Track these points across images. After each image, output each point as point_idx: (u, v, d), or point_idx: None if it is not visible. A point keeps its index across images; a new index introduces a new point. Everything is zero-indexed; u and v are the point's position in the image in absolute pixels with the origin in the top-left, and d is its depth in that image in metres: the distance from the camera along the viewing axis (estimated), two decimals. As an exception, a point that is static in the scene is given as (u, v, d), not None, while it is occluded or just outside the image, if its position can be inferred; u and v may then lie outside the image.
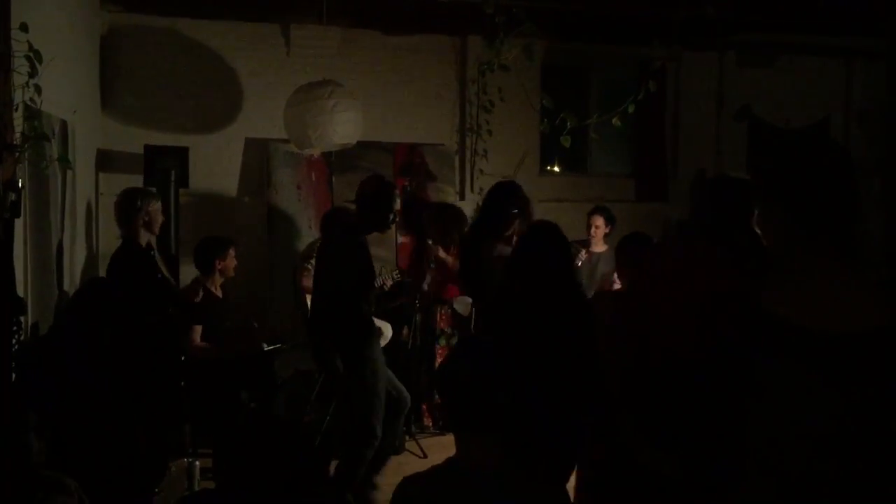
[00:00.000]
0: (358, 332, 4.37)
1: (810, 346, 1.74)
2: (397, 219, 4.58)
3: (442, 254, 5.96)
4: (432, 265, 5.90)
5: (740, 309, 1.85)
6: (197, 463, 4.60)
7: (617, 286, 6.09)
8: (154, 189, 5.62)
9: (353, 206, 6.34)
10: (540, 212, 6.67)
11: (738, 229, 2.89)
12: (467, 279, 4.76)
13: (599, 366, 3.36)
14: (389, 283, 6.05)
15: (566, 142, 6.70)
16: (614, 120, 6.80)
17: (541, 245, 3.70)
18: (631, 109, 6.83)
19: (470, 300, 4.19)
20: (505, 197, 4.50)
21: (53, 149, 4.70)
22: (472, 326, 5.30)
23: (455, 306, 5.68)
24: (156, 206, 5.03)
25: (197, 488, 4.51)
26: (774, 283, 1.86)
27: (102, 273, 5.67)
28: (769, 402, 1.79)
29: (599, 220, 6.50)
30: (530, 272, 3.62)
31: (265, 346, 5.29)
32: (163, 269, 5.24)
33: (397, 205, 4.49)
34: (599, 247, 6.45)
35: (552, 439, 3.36)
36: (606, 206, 6.64)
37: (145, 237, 4.96)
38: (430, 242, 6.04)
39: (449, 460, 2.33)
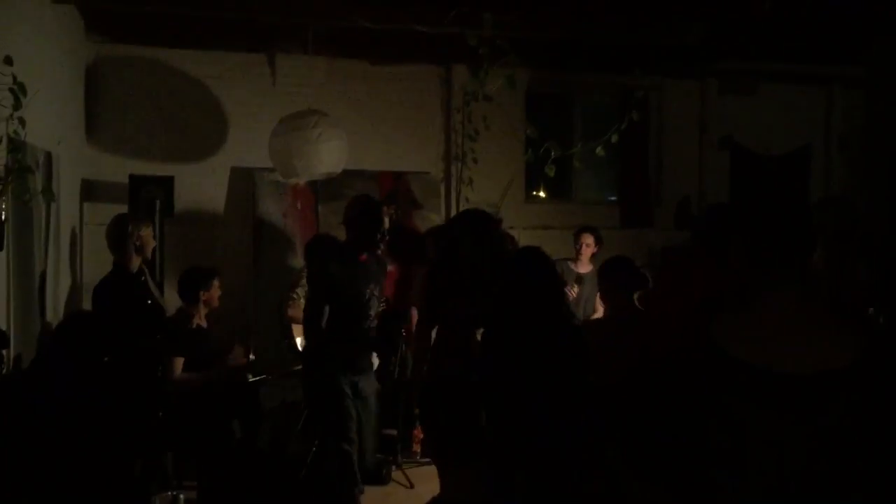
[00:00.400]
0: (320, 354, 4.34)
1: (759, 386, 1.75)
2: (387, 237, 4.53)
3: None
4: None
5: (695, 343, 1.87)
6: (181, 495, 4.57)
7: (598, 312, 6.10)
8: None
9: (336, 234, 6.40)
10: (526, 239, 6.73)
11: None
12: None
13: (591, 388, 3.38)
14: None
15: (551, 171, 6.74)
16: (598, 149, 6.86)
17: (527, 266, 3.71)
18: (614, 139, 6.89)
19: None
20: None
21: (37, 181, 4.69)
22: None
23: None
24: (147, 232, 5.06)
25: (181, 521, 4.48)
26: (730, 319, 1.87)
27: (87, 302, 5.65)
28: (723, 436, 1.80)
29: (590, 239, 6.45)
30: (519, 294, 3.63)
31: (250, 376, 5.25)
32: (154, 292, 5.22)
33: (385, 223, 4.49)
34: (585, 267, 6.43)
35: (547, 468, 3.35)
36: (595, 227, 6.65)
37: (136, 262, 4.97)
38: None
39: (434, 500, 2.32)
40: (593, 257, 6.43)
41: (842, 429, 1.70)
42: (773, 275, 1.82)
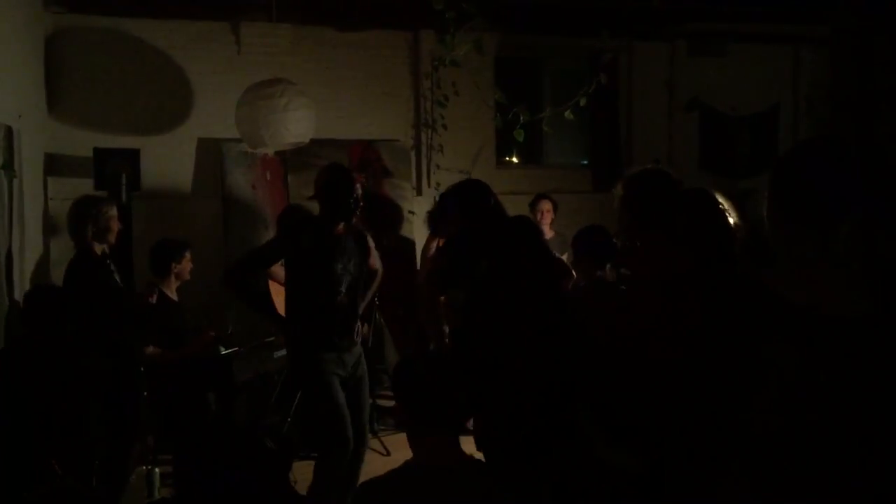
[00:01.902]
0: (305, 337, 4.22)
1: (823, 330, 1.75)
2: (361, 204, 4.26)
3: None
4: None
5: (748, 293, 1.87)
6: (157, 470, 4.55)
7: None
8: (105, 193, 5.52)
9: (306, 205, 6.32)
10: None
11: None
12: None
13: (576, 358, 3.38)
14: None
15: (519, 136, 6.72)
16: (567, 113, 6.84)
17: (519, 237, 3.70)
18: (583, 103, 6.87)
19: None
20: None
21: (-2, 156, 4.60)
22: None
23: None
24: (110, 214, 4.80)
25: (157, 496, 4.47)
26: (782, 269, 1.87)
27: (55, 279, 5.57)
28: (772, 388, 1.79)
29: (548, 205, 6.48)
30: (511, 264, 3.62)
31: (223, 349, 5.22)
32: (117, 279, 5.11)
33: (357, 190, 4.21)
34: (546, 234, 6.44)
35: (523, 436, 3.37)
36: (549, 194, 6.66)
37: (100, 247, 4.75)
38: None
39: (406, 463, 2.34)
40: (552, 223, 6.47)
41: (884, 372, 1.71)
42: (811, 227, 1.82)
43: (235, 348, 5.25)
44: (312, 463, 4.32)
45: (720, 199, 2.61)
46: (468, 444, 2.63)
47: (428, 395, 2.33)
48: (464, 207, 4.05)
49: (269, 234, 6.66)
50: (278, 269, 5.67)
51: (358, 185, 4.24)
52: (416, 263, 6.89)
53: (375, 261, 4.63)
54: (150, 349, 4.93)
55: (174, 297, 5.23)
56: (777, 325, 1.79)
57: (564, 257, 6.51)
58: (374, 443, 5.72)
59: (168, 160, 6.83)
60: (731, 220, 2.60)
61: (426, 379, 2.34)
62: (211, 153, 6.94)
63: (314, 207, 4.53)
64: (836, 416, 1.73)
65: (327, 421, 4.17)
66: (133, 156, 6.12)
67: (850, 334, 1.73)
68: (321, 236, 4.21)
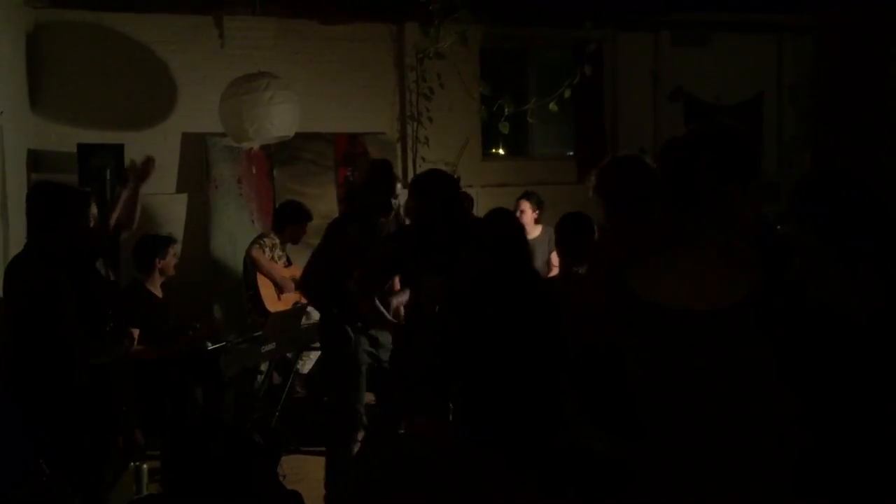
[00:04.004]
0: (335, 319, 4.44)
1: (669, 325, 1.82)
2: (395, 198, 4.56)
3: None
4: None
5: (610, 292, 1.93)
6: (145, 466, 4.55)
7: (555, 270, 6.13)
8: (88, 189, 5.49)
9: (293, 199, 6.33)
10: (484, 197, 6.74)
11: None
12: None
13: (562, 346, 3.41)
14: None
15: (504, 128, 6.72)
16: (552, 105, 6.84)
17: (498, 228, 3.72)
18: (567, 94, 6.87)
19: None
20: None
21: (-20, 153, 4.57)
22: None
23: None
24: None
25: (146, 492, 4.47)
26: (643, 265, 1.92)
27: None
28: (642, 377, 1.87)
29: (525, 205, 6.43)
30: (490, 255, 3.64)
31: (209, 344, 5.22)
32: (101, 270, 5.09)
33: (397, 188, 4.52)
34: (532, 232, 6.42)
35: (513, 418, 3.39)
36: (534, 192, 6.64)
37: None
38: None
39: (396, 442, 2.36)
40: (537, 221, 6.43)
41: (736, 357, 1.75)
42: (686, 214, 1.85)
43: (223, 343, 5.25)
44: (301, 457, 4.37)
45: None
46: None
47: (421, 377, 2.36)
48: (419, 196, 4.15)
49: (256, 228, 6.65)
50: (260, 255, 5.73)
51: (397, 184, 4.55)
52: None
53: None
54: (139, 347, 4.92)
55: (159, 293, 5.22)
56: (628, 319, 1.86)
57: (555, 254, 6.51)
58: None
59: (153, 154, 6.77)
60: None
61: (421, 362, 2.38)
62: (195, 147, 6.92)
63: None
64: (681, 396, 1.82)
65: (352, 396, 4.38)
66: (117, 151, 6.09)
67: (689, 326, 1.78)
68: (368, 227, 4.44)
